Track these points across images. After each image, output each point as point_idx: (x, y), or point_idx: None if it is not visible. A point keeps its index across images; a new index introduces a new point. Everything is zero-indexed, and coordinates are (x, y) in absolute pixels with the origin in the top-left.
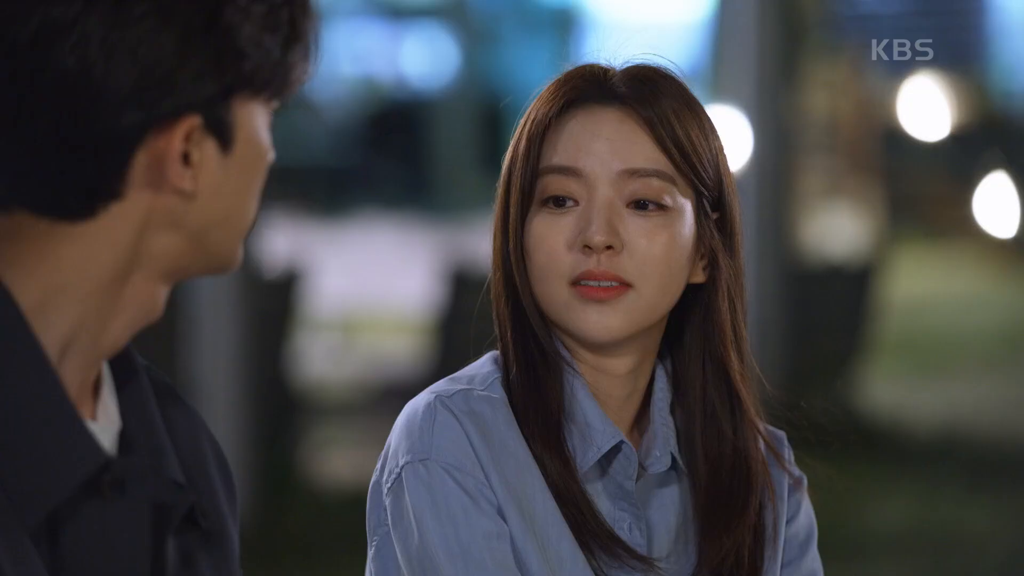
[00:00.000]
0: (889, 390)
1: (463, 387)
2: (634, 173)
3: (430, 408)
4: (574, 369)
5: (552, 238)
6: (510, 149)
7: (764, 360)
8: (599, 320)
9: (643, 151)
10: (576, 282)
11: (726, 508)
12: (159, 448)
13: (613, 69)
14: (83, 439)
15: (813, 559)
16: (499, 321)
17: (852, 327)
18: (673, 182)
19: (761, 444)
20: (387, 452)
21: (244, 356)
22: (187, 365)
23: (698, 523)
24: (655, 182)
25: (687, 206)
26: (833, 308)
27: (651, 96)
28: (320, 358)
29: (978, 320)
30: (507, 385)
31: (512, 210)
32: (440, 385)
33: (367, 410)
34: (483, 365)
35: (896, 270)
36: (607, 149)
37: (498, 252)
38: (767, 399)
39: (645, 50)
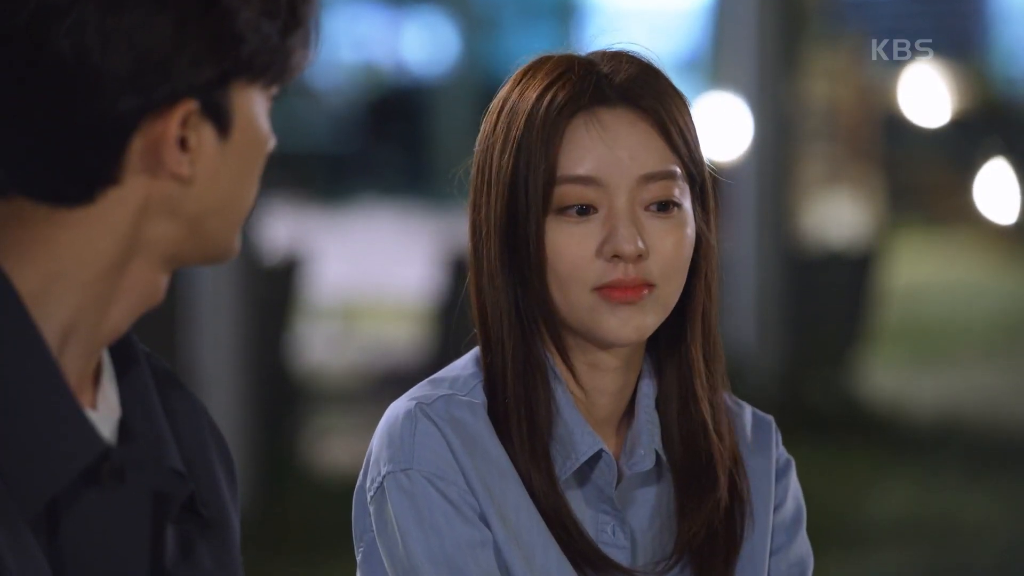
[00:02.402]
0: (889, 377)
1: (445, 392)
2: (651, 178)
3: (410, 416)
4: (559, 377)
5: (576, 247)
6: (502, 151)
7: (764, 347)
8: (630, 321)
9: (658, 155)
10: (601, 287)
11: (698, 485)
12: (159, 437)
13: (597, 61)
14: (83, 428)
15: (802, 543)
16: (494, 329)
17: (852, 314)
18: (680, 178)
19: (748, 423)
20: (369, 457)
21: (244, 343)
22: (187, 353)
23: (676, 503)
24: (669, 183)
25: (687, 195)
26: (833, 295)
27: (653, 93)
28: (320, 345)
29: (978, 307)
30: (488, 387)
31: (530, 218)
32: (421, 389)
33: (367, 397)
34: (466, 366)
35: (896, 257)
36: (626, 156)
37: (497, 259)
38: (765, 386)
39: (625, 38)
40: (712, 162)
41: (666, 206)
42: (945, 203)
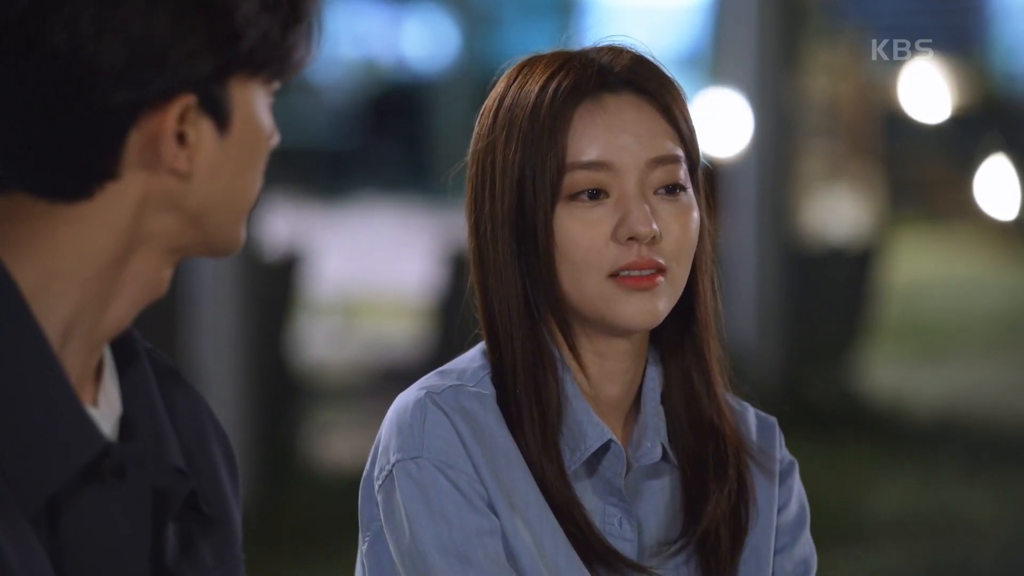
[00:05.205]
0: (889, 373)
1: (453, 383)
2: (659, 161)
3: (420, 405)
4: (567, 367)
5: (590, 232)
6: (506, 145)
7: (764, 343)
8: (644, 307)
9: (664, 138)
10: (615, 273)
11: (708, 474)
12: (160, 433)
13: (593, 53)
14: (83, 425)
15: (805, 543)
16: (502, 324)
17: (852, 310)
18: (684, 161)
19: (752, 423)
20: (377, 447)
21: (245, 339)
22: (188, 349)
23: (684, 495)
24: (675, 167)
25: (689, 180)
26: (833, 291)
27: (655, 79)
28: (321, 341)
29: (978, 303)
30: (497, 380)
31: (539, 207)
32: (430, 379)
33: (367, 393)
34: (473, 359)
35: (896, 253)
36: (633, 141)
37: (505, 253)
38: (765, 382)
39: (621, 33)
40: (710, 158)
41: (673, 189)
42: (945, 199)
